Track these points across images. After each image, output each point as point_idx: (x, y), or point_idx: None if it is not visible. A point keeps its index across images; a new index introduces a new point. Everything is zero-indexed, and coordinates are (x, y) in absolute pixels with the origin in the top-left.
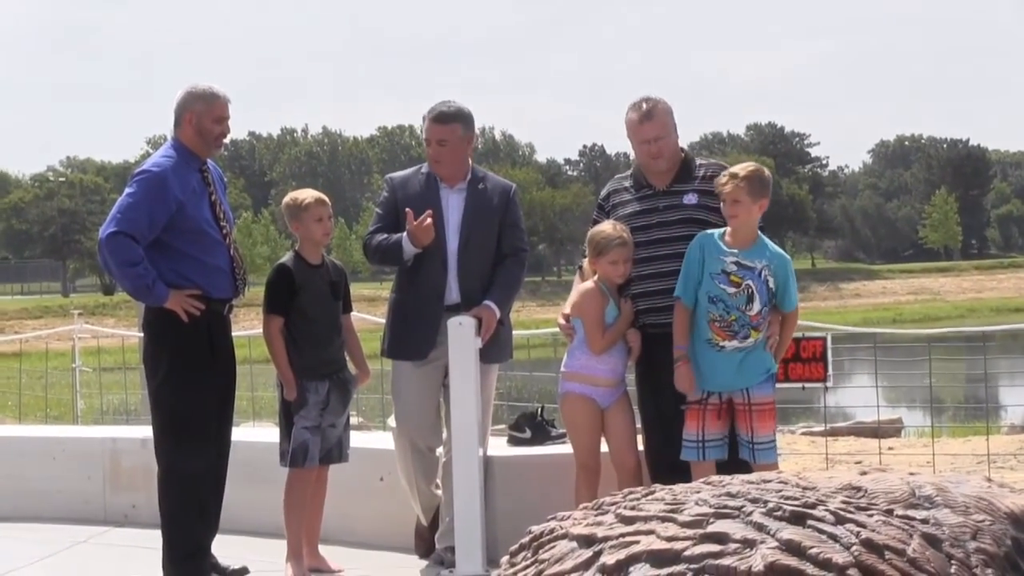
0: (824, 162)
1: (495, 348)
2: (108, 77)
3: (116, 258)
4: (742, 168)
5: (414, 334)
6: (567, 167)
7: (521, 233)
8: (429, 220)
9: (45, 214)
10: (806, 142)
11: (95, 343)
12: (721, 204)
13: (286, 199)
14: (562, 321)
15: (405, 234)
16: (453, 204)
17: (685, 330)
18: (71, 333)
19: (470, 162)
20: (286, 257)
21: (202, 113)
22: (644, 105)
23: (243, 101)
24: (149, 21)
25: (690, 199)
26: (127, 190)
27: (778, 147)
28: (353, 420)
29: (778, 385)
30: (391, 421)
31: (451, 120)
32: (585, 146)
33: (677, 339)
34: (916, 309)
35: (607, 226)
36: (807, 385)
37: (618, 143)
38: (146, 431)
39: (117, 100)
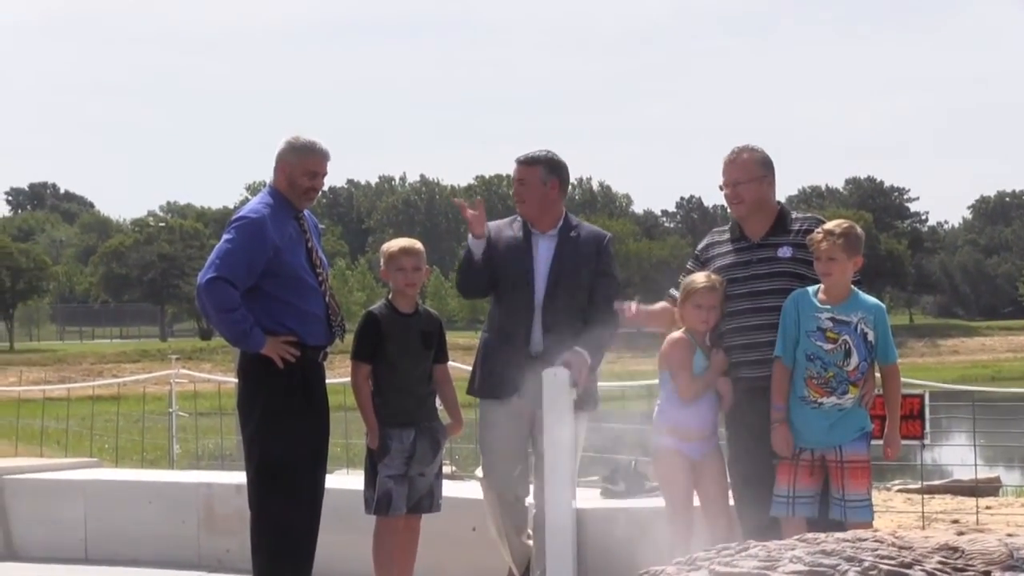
0: (923, 217)
1: (581, 397)
2: (209, 123)
3: (214, 304)
4: (836, 225)
5: (497, 376)
6: (664, 219)
7: (614, 282)
8: (476, 210)
9: (145, 259)
10: (905, 197)
11: (192, 388)
12: (815, 261)
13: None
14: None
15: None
16: (543, 251)
17: (784, 390)
18: (168, 377)
19: (563, 210)
20: (377, 305)
21: (294, 165)
22: (735, 150)
23: (342, 148)
24: (249, 67)
25: (785, 252)
26: (225, 236)
27: (877, 201)
28: (446, 469)
29: (875, 442)
30: (479, 471)
31: (533, 162)
32: (682, 198)
33: (775, 399)
34: (1015, 366)
35: (699, 273)
36: (904, 442)
37: (716, 195)
38: (241, 477)
39: (217, 146)
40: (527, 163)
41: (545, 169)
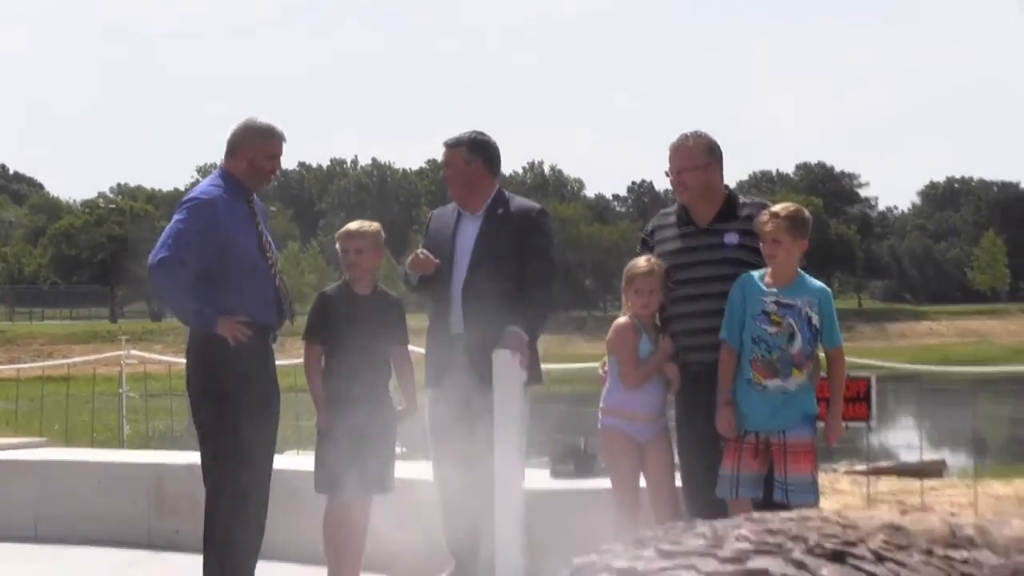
0: (873, 202)
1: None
2: (159, 105)
3: (166, 284)
4: (783, 208)
5: (429, 362)
6: (615, 203)
7: (545, 254)
8: (426, 258)
9: (95, 240)
10: (855, 182)
11: (142, 369)
12: (761, 243)
13: None
14: (600, 372)
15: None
16: (468, 233)
17: (731, 373)
18: (118, 359)
19: (493, 189)
20: (332, 286)
21: (257, 148)
22: (681, 136)
23: (293, 131)
24: (200, 50)
25: (731, 238)
26: (176, 216)
27: (827, 187)
28: (397, 451)
29: (822, 424)
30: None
31: (456, 144)
32: (634, 182)
33: (723, 382)
34: (963, 351)
35: (640, 258)
36: (851, 424)
37: (667, 180)
38: (191, 457)
39: (168, 128)
40: (450, 146)
41: (468, 149)
